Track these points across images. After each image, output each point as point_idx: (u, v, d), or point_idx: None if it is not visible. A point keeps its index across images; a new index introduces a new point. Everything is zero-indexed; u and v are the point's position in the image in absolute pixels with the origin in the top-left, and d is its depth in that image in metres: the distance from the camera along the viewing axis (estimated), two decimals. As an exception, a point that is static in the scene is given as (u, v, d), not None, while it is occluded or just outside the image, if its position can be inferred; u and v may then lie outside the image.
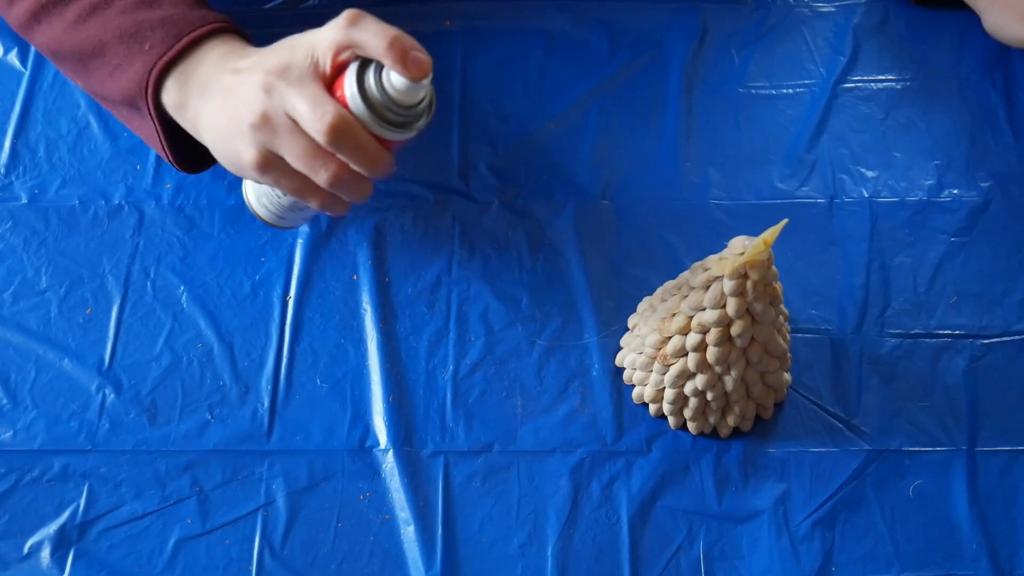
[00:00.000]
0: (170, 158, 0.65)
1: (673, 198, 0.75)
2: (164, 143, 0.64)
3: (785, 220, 0.56)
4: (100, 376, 0.69)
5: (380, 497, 0.65)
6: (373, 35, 0.53)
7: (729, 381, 0.63)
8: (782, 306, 0.63)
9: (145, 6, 0.62)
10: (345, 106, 0.54)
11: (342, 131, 0.54)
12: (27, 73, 0.80)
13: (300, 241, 0.73)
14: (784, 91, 0.79)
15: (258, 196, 0.64)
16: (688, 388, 0.63)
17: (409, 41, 0.54)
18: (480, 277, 0.72)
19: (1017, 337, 0.69)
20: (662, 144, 0.77)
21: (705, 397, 0.64)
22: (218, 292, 0.71)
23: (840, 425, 0.67)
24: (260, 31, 0.80)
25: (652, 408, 0.67)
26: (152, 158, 0.76)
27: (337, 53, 0.55)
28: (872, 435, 0.66)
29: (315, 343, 0.70)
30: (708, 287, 0.59)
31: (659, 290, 0.67)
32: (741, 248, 0.58)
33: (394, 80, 0.54)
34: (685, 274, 0.63)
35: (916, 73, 0.80)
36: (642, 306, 0.68)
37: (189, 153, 0.65)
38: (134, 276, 0.72)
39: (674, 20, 0.82)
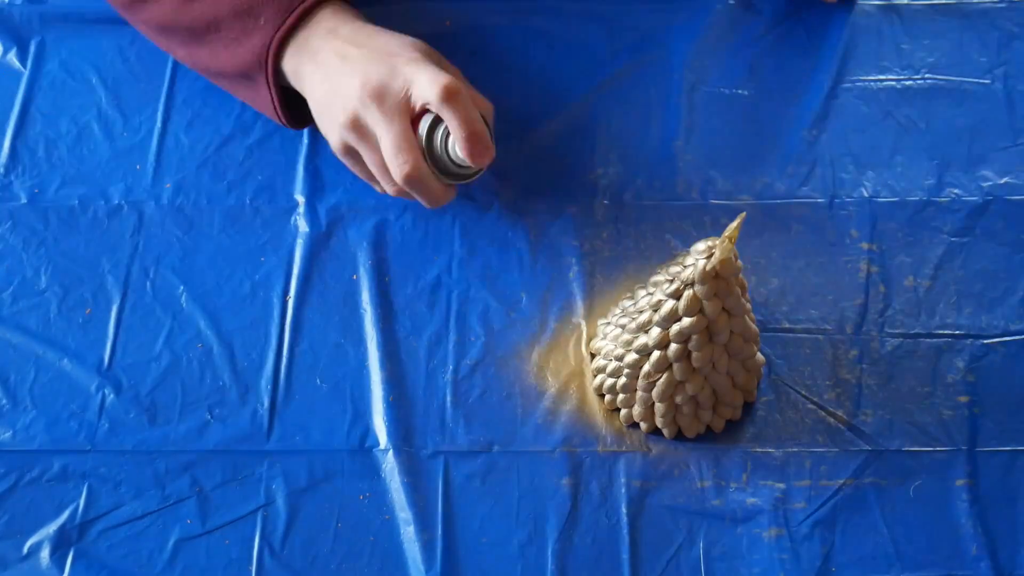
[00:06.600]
0: (283, 120, 0.70)
1: (673, 198, 0.75)
2: (278, 108, 0.69)
3: (743, 214, 0.56)
4: (100, 376, 0.69)
5: (380, 497, 0.65)
6: (459, 120, 0.62)
7: (715, 378, 0.63)
8: (745, 288, 0.62)
9: None
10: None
11: (414, 179, 0.64)
12: (27, 73, 0.80)
13: (300, 241, 0.73)
14: (784, 91, 0.79)
15: None
16: (679, 397, 0.63)
17: (485, 137, 0.63)
18: (480, 277, 0.72)
19: (1017, 337, 0.69)
20: (662, 144, 0.77)
21: (696, 401, 0.64)
22: (218, 292, 0.71)
23: (840, 425, 0.67)
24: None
25: (644, 427, 0.66)
26: (152, 158, 0.76)
27: (425, 106, 0.64)
28: (872, 435, 0.66)
29: (315, 343, 0.70)
30: (679, 296, 0.59)
31: (616, 310, 0.66)
32: (707, 250, 0.57)
33: (459, 150, 0.64)
34: (641, 291, 0.63)
35: (916, 73, 0.80)
36: (607, 329, 0.67)
37: (295, 111, 0.71)
38: (134, 276, 0.72)
39: (675, 20, 0.82)
